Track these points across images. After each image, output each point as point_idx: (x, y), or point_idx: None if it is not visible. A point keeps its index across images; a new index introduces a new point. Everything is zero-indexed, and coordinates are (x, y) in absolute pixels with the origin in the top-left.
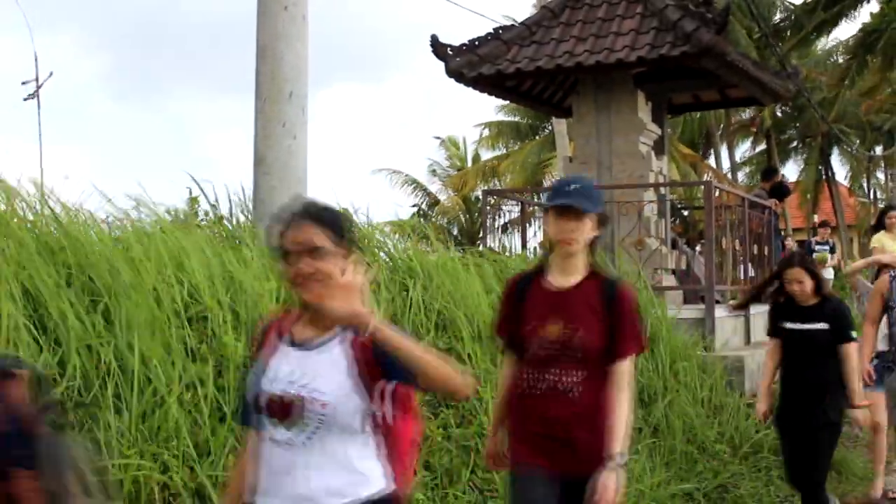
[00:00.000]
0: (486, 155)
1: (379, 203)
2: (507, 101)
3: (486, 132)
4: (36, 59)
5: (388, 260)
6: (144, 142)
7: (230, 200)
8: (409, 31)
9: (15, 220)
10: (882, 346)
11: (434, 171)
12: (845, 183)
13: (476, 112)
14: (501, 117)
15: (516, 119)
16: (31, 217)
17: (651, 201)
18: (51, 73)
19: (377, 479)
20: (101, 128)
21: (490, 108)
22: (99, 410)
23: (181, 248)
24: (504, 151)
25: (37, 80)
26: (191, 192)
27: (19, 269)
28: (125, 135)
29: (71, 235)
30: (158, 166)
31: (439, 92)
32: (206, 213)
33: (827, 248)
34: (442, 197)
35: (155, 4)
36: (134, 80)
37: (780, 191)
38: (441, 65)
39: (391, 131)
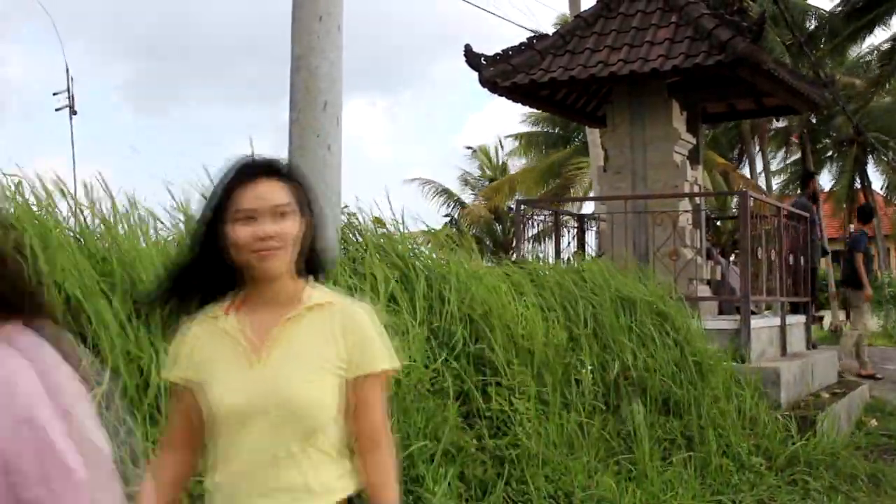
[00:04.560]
0: (516, 164)
1: (407, 212)
2: (538, 111)
3: (516, 143)
4: (67, 70)
5: (423, 269)
6: (167, 151)
7: None
8: (422, 42)
9: (58, 227)
10: None
11: (466, 180)
12: (881, 192)
13: (496, 124)
14: (526, 128)
15: (542, 129)
16: (74, 225)
17: (686, 211)
18: (72, 79)
19: None
20: (121, 137)
21: (513, 119)
22: (136, 422)
23: None
24: (534, 163)
25: (69, 90)
26: None
27: (61, 277)
28: (146, 144)
29: (116, 242)
30: (183, 176)
31: (451, 103)
32: None
33: None
34: (467, 198)
35: (171, 14)
36: (153, 90)
37: (813, 198)
38: (448, 77)
39: (412, 142)
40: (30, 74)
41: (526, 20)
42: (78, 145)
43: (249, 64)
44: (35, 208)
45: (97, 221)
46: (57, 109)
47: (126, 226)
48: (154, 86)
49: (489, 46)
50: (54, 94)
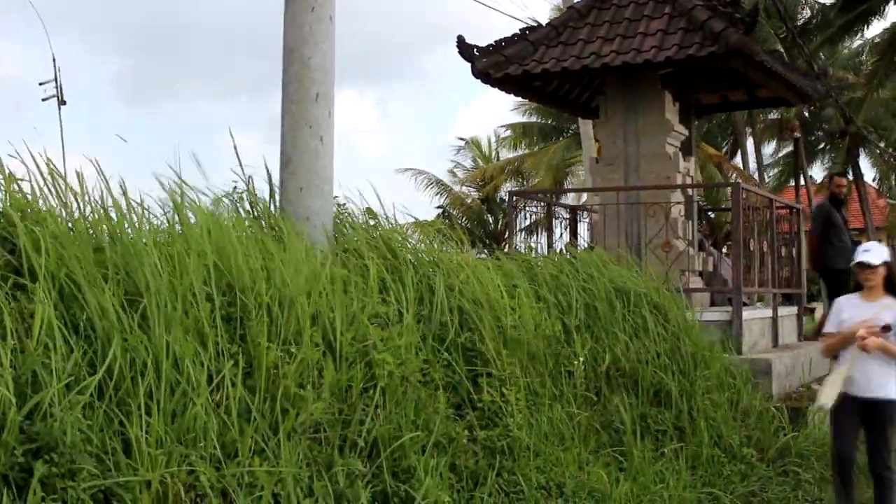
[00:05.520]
0: (507, 155)
1: (399, 203)
2: (531, 102)
3: (510, 133)
4: (54, 60)
5: (412, 260)
6: (159, 145)
7: (270, 200)
8: (414, 34)
9: (50, 216)
10: None
11: (454, 172)
12: (873, 184)
13: (489, 116)
14: (522, 118)
15: (538, 120)
16: (71, 215)
17: (678, 203)
18: (59, 70)
19: None
20: (112, 131)
21: (507, 111)
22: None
23: (221, 246)
24: (526, 151)
25: (56, 79)
26: (235, 189)
27: (57, 268)
28: (138, 138)
29: (112, 233)
30: (173, 169)
31: (444, 95)
32: (237, 211)
33: None
34: (455, 187)
35: (161, 9)
36: (143, 84)
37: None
38: (440, 69)
39: (404, 134)
40: (28, 74)
41: (519, 12)
42: (67, 136)
43: (244, 59)
44: (29, 196)
45: (88, 210)
46: (44, 99)
47: (118, 214)
48: (148, 81)
49: (482, 38)
50: (40, 83)
